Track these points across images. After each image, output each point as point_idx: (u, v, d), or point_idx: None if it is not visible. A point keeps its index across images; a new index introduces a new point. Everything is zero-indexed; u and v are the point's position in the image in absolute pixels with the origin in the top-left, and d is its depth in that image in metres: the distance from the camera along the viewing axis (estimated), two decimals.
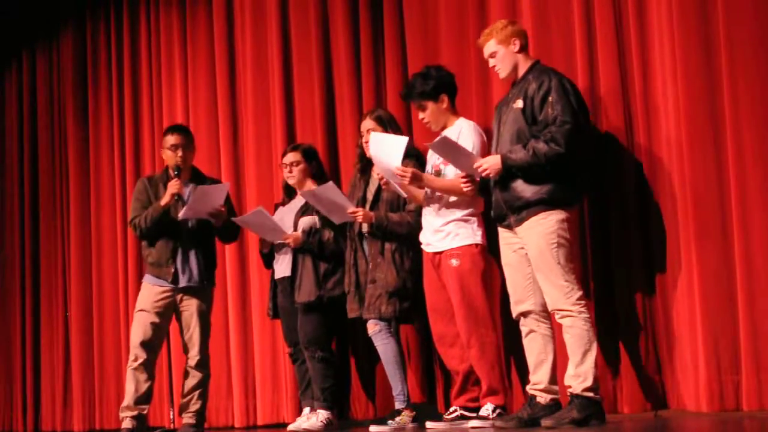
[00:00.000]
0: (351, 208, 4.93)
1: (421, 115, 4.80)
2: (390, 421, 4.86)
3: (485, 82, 5.17)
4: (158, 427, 6.28)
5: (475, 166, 4.27)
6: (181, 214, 5.17)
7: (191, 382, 5.33)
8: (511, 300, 4.32)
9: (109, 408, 7.16)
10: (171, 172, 5.26)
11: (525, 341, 4.30)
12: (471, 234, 4.63)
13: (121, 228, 7.16)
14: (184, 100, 6.88)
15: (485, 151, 4.60)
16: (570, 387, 4.09)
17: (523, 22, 4.99)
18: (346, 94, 5.90)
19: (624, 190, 4.61)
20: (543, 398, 4.22)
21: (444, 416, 4.75)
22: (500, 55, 4.33)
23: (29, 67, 8.12)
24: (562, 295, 4.09)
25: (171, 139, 5.37)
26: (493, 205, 4.36)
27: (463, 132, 4.63)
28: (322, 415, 5.14)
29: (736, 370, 4.18)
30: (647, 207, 4.56)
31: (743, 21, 4.25)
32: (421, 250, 4.79)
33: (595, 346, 4.08)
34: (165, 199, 5.21)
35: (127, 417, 5.23)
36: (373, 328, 4.92)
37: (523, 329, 4.29)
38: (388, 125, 4.98)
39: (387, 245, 4.88)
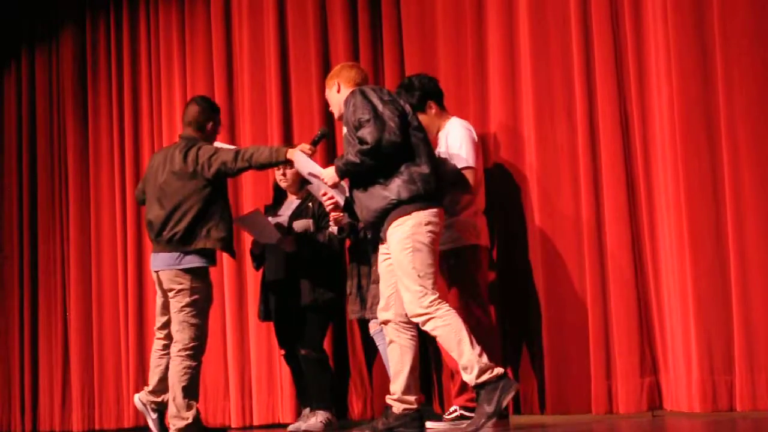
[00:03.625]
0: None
1: None
2: None
3: (482, 82, 5.20)
4: None
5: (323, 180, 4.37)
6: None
7: None
8: (378, 307, 4.34)
9: (108, 408, 7.13)
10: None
11: (387, 350, 4.31)
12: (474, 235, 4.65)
13: (121, 227, 7.14)
14: (183, 100, 6.86)
15: (476, 147, 4.62)
16: (469, 382, 4.04)
17: (520, 22, 5.03)
18: None
19: (617, 188, 4.64)
20: (397, 408, 4.22)
21: (444, 416, 4.77)
22: (329, 99, 4.53)
23: (28, 67, 8.10)
24: (415, 299, 4.07)
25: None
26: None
27: (450, 132, 4.66)
28: (322, 415, 5.16)
29: (730, 371, 4.21)
30: (641, 206, 4.59)
31: (738, 19, 4.28)
32: None
33: (464, 332, 3.99)
34: (292, 153, 4.75)
35: None
36: (374, 326, 4.93)
37: (387, 338, 4.30)
38: None
39: None
